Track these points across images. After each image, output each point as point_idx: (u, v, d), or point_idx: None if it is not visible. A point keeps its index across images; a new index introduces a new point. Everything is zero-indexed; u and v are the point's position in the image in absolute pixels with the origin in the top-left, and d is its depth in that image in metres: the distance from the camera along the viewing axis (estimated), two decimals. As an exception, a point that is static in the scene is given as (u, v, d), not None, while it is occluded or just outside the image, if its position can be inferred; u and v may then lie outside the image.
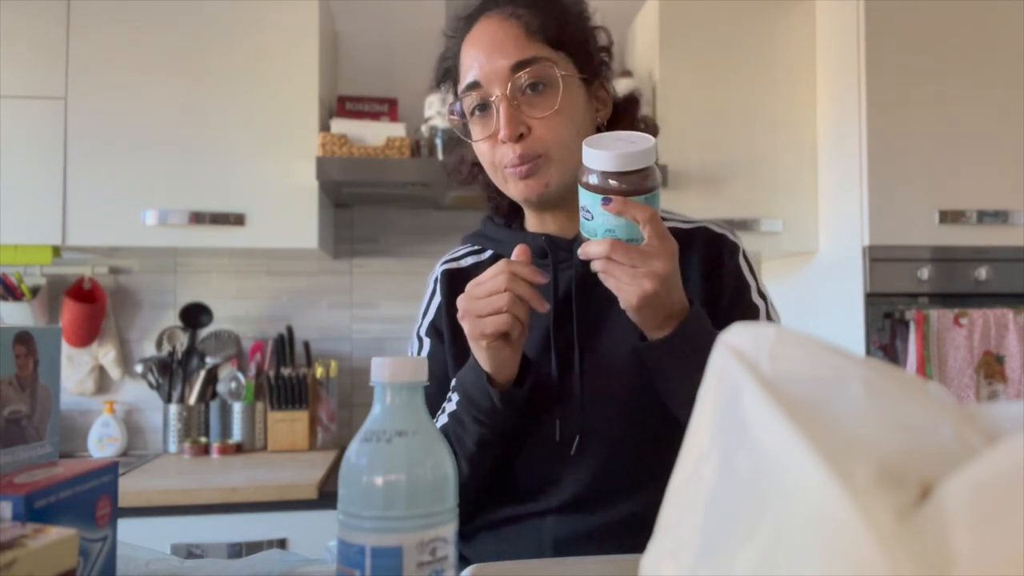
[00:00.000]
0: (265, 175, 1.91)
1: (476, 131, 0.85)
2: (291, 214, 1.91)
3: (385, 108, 2.17)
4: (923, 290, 1.92)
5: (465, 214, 2.30)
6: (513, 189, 0.85)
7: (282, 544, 1.64)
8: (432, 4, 2.29)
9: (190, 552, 1.59)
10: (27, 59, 1.86)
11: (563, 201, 0.86)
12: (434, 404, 0.88)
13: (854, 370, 0.33)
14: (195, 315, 2.15)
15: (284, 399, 2.06)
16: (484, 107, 0.83)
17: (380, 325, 2.28)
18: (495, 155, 0.83)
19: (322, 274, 2.27)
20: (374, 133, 1.95)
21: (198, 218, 1.88)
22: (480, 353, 0.77)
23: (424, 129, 2.00)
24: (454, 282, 0.93)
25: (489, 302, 0.73)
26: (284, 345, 2.15)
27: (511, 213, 0.96)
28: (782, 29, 2.13)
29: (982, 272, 1.93)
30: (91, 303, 2.07)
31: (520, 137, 0.80)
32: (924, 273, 1.91)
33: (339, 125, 1.96)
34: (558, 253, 0.88)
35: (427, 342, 0.94)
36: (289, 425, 2.05)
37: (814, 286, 2.15)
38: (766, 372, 0.35)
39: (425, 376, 0.48)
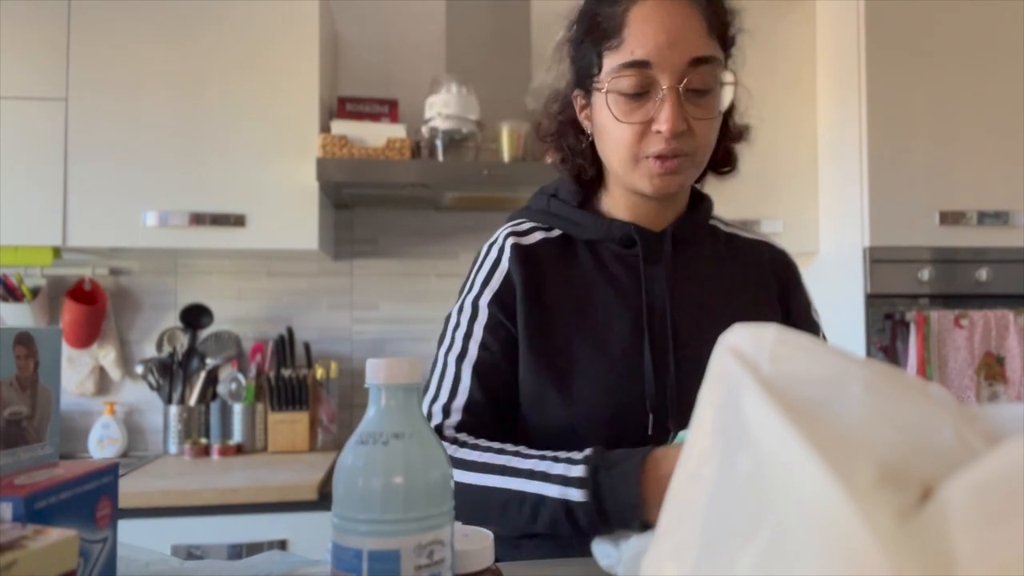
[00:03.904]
0: (265, 176, 1.91)
1: (624, 111, 0.79)
2: (291, 215, 1.91)
3: (385, 109, 2.17)
4: (923, 291, 1.92)
5: (465, 215, 2.30)
6: (646, 180, 0.81)
7: (282, 545, 1.64)
8: (432, 4, 2.29)
9: (190, 553, 1.59)
10: (28, 60, 1.86)
11: (668, 198, 0.87)
12: (486, 376, 0.84)
13: (854, 371, 0.33)
14: (195, 316, 2.15)
15: (284, 400, 2.06)
16: (641, 93, 0.78)
17: (380, 326, 2.28)
18: (642, 143, 0.79)
19: (322, 275, 2.27)
20: (374, 134, 1.95)
21: (198, 219, 1.88)
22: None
23: (424, 130, 2.00)
24: (526, 258, 0.87)
25: None
26: (284, 346, 2.15)
27: (587, 186, 0.91)
28: (782, 29, 2.13)
29: (982, 273, 1.93)
30: (91, 304, 2.07)
31: (680, 133, 0.78)
32: (924, 274, 1.91)
33: (339, 126, 1.96)
34: (648, 245, 0.86)
35: (487, 312, 0.86)
36: (289, 426, 2.05)
37: (814, 287, 2.13)
38: (766, 373, 0.35)
39: (420, 377, 0.48)
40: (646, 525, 0.68)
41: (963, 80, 1.95)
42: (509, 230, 0.91)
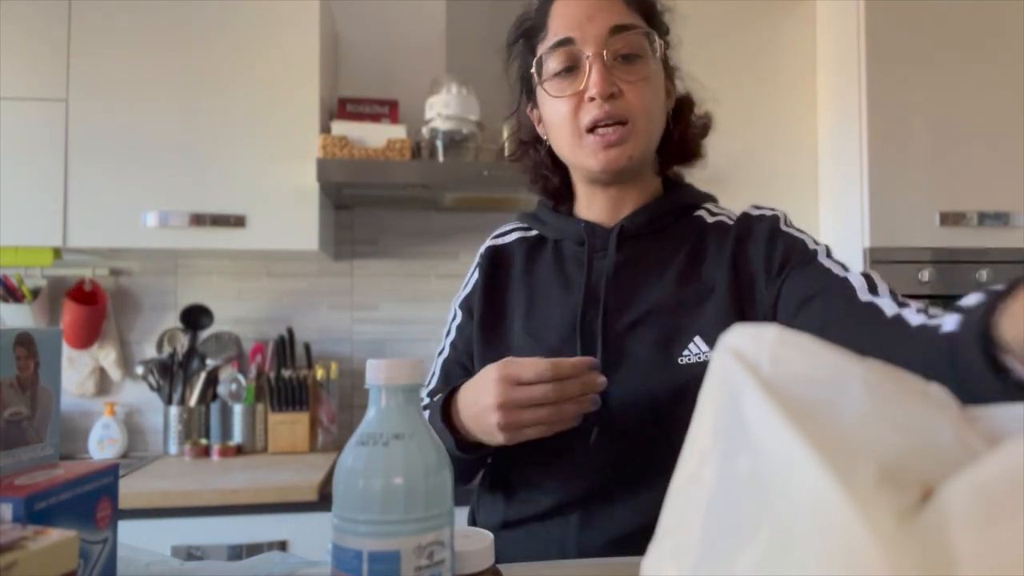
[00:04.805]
0: (266, 177, 1.91)
1: (558, 88, 0.83)
2: (292, 216, 1.91)
3: (386, 110, 2.17)
4: (924, 292, 1.92)
5: (465, 216, 2.30)
6: (591, 158, 0.82)
7: (282, 546, 1.64)
8: (432, 5, 2.29)
9: (190, 554, 1.59)
10: (28, 61, 1.86)
11: (625, 178, 0.86)
12: (450, 370, 0.93)
13: (855, 371, 0.33)
14: (196, 317, 2.15)
15: (284, 401, 2.06)
16: (571, 68, 0.81)
17: (380, 327, 2.28)
18: (579, 115, 0.81)
19: (322, 276, 2.27)
20: (375, 135, 1.95)
21: (199, 220, 1.88)
22: (490, 435, 0.73)
23: (425, 131, 2.00)
24: (494, 258, 0.94)
25: (533, 412, 0.70)
26: (284, 346, 2.15)
27: (558, 195, 0.94)
28: (782, 29, 2.13)
29: (983, 274, 1.92)
30: (92, 305, 2.07)
31: (611, 97, 0.79)
32: (925, 275, 1.91)
33: (340, 127, 1.96)
34: (595, 241, 0.87)
35: (459, 313, 0.95)
36: (290, 427, 2.05)
37: (815, 287, 2.14)
38: (766, 374, 0.35)
39: (421, 378, 0.48)
40: (465, 448, 0.78)
41: (963, 80, 1.95)
42: (493, 235, 0.98)
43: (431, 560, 0.44)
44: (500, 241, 0.96)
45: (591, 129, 0.81)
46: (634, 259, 0.87)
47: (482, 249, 0.97)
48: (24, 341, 0.53)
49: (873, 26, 1.93)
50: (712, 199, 0.94)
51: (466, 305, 0.94)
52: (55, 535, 0.39)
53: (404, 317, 2.28)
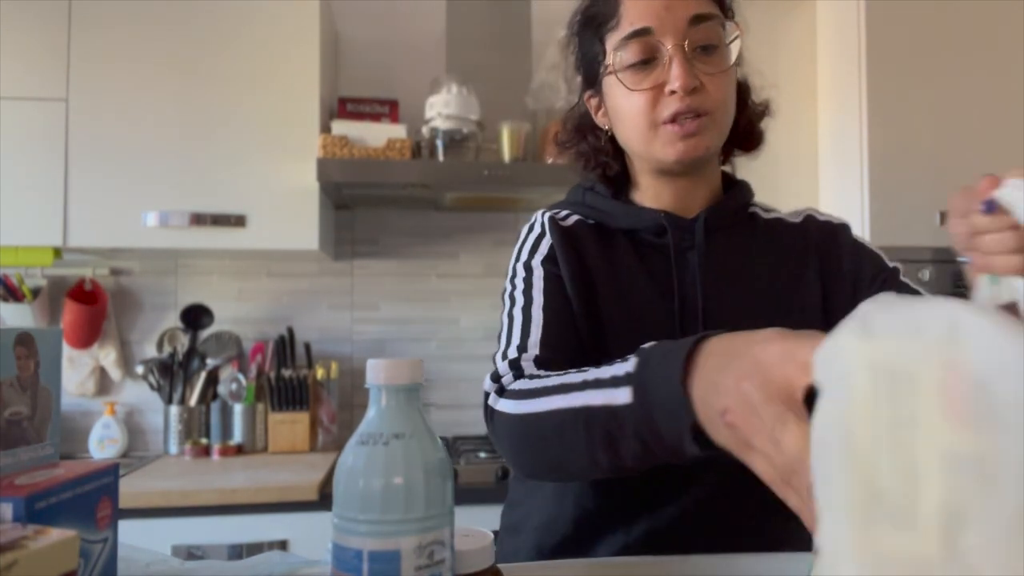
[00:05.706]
0: (266, 176, 1.91)
1: (634, 80, 0.79)
2: (292, 215, 1.91)
3: (386, 109, 2.17)
4: (924, 291, 1.92)
5: (465, 216, 2.30)
6: (667, 148, 0.79)
7: (283, 545, 1.64)
8: (432, 5, 2.29)
9: (191, 553, 1.59)
10: (28, 61, 1.86)
11: (695, 169, 0.83)
12: (563, 323, 0.80)
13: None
14: (196, 316, 2.15)
15: (285, 400, 2.06)
16: (648, 60, 0.78)
17: (381, 326, 2.28)
18: (657, 108, 0.78)
19: (323, 275, 2.27)
20: (375, 134, 1.95)
21: (199, 219, 1.88)
22: (712, 423, 0.48)
23: (425, 130, 2.00)
24: (566, 235, 0.85)
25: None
26: (285, 346, 2.15)
27: (617, 183, 0.90)
28: (783, 29, 2.13)
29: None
30: (92, 304, 2.07)
31: (692, 91, 0.77)
32: (926, 274, 1.91)
33: (340, 126, 1.96)
34: (679, 233, 0.83)
35: (540, 270, 0.84)
36: (290, 426, 2.05)
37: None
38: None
39: (420, 378, 0.48)
40: (706, 445, 0.50)
41: (963, 80, 1.95)
42: (545, 211, 0.90)
43: (431, 560, 0.44)
44: (562, 222, 0.88)
45: (668, 121, 0.78)
46: (719, 254, 0.85)
47: (543, 219, 0.87)
48: (24, 341, 0.53)
49: (873, 26, 1.93)
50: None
51: (550, 263, 0.84)
52: (55, 535, 0.39)
53: (404, 317, 2.28)
